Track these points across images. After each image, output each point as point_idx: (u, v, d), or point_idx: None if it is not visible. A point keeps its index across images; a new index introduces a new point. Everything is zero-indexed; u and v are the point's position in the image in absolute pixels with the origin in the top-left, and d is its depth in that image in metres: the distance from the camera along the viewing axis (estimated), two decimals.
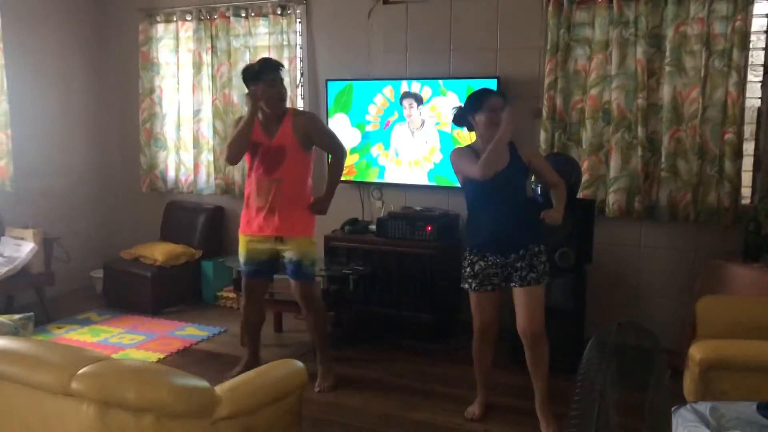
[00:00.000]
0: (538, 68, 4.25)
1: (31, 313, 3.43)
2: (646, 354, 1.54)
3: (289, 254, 3.52)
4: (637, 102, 3.97)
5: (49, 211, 5.19)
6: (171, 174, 5.52)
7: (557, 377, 3.21)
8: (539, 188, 3.73)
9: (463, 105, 3.15)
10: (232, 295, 4.85)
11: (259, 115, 3.46)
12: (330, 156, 3.77)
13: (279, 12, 4.92)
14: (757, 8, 3.77)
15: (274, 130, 3.47)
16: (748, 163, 3.90)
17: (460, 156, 3.10)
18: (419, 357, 4.10)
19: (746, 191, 3.91)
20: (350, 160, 4.57)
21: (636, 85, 3.97)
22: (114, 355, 3.61)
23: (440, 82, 4.40)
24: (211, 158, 5.28)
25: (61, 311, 4.90)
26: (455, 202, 4.50)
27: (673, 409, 1.61)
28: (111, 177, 5.79)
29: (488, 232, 3.07)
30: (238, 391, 2.05)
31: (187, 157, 5.41)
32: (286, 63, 4.91)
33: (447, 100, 4.38)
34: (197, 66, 5.25)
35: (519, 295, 3.06)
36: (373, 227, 4.50)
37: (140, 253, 5.07)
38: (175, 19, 5.31)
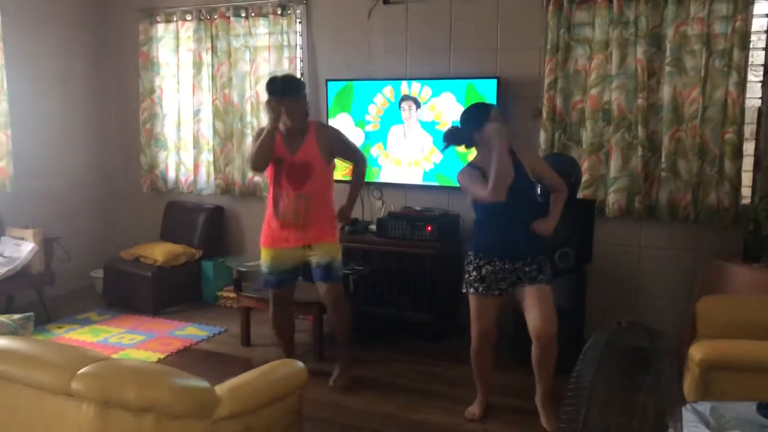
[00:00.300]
0: (538, 68, 4.25)
1: (31, 313, 3.43)
2: (648, 353, 1.54)
3: (317, 259, 3.53)
4: (638, 102, 3.97)
5: (49, 211, 5.19)
6: (171, 174, 5.52)
7: (557, 377, 3.21)
8: (539, 188, 3.72)
9: (459, 125, 3.14)
10: (232, 294, 4.85)
11: (281, 127, 3.43)
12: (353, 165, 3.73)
13: (279, 12, 4.92)
14: (758, 8, 3.77)
15: (297, 144, 3.45)
16: (748, 163, 3.90)
17: (468, 179, 3.08)
18: (419, 357, 4.10)
19: (746, 191, 3.92)
20: None
21: (636, 85, 3.97)
22: (114, 355, 3.62)
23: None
24: (211, 158, 5.28)
25: (61, 311, 4.90)
26: (455, 202, 4.50)
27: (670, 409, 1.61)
28: (111, 177, 5.80)
29: (498, 239, 3.07)
30: (238, 391, 2.05)
31: (188, 157, 5.41)
32: (286, 63, 4.93)
33: (447, 100, 4.39)
34: (197, 66, 5.25)
35: (530, 294, 3.04)
36: (373, 227, 4.50)
37: (140, 253, 5.07)
38: (175, 19, 5.31)
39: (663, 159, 3.98)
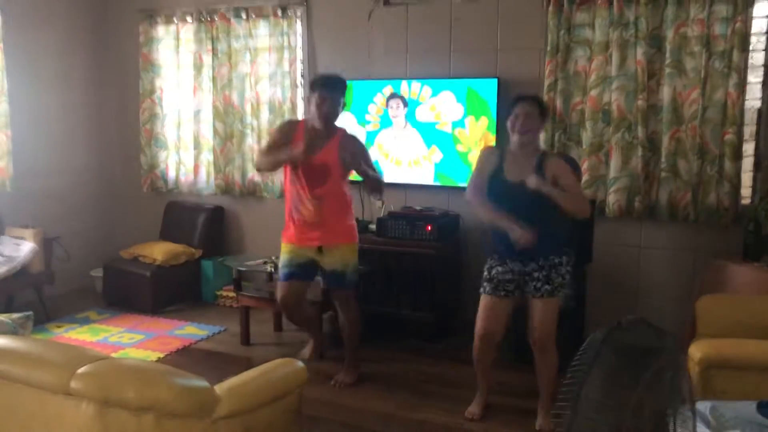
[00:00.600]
0: (538, 69, 4.25)
1: (30, 312, 3.42)
2: (649, 351, 1.54)
3: (331, 266, 3.53)
4: (637, 103, 3.97)
5: (49, 210, 5.19)
6: (171, 174, 5.52)
7: (559, 380, 3.21)
8: None
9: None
10: (231, 294, 4.85)
11: (309, 124, 3.45)
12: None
13: (279, 13, 4.92)
14: (757, 10, 3.78)
15: (320, 145, 3.43)
16: (748, 163, 3.90)
17: (481, 159, 3.13)
18: (419, 357, 4.10)
19: (746, 191, 3.92)
20: None
21: (636, 86, 3.97)
22: (113, 355, 3.61)
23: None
24: (211, 158, 5.28)
25: (60, 310, 4.89)
26: (455, 202, 4.50)
27: (670, 410, 1.60)
28: (111, 177, 5.79)
29: (506, 240, 3.02)
30: (237, 391, 2.05)
31: (188, 157, 5.41)
32: (286, 64, 4.93)
33: (447, 100, 4.39)
34: (197, 67, 5.25)
35: (533, 304, 3.05)
36: (373, 227, 4.50)
37: (140, 253, 5.07)
38: (175, 20, 5.31)
39: (663, 159, 3.99)
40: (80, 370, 1.91)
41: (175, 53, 5.37)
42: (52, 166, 5.34)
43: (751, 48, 3.78)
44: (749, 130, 3.87)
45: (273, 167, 3.61)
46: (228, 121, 5.19)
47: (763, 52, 3.82)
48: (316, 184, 3.44)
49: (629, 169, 4.05)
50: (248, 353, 4.18)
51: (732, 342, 2.77)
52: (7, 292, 4.67)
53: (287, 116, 4.86)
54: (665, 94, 3.96)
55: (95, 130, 5.71)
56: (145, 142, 5.50)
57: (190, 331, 4.56)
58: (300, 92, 4.99)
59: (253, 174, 5.16)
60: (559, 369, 3.08)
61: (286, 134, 3.53)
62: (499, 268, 3.08)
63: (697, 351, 2.69)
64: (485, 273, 3.13)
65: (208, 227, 5.29)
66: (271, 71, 4.99)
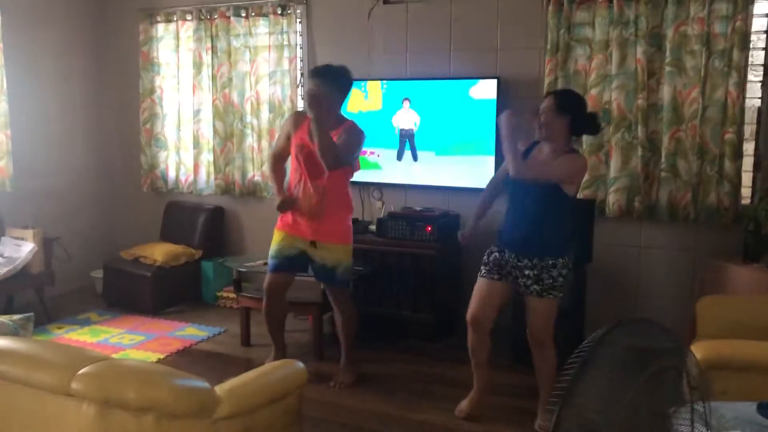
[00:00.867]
0: (538, 68, 4.25)
1: (31, 314, 3.42)
2: (651, 351, 1.54)
3: (322, 260, 3.52)
4: (637, 102, 3.97)
5: (49, 211, 5.19)
6: (171, 174, 5.52)
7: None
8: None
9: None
10: (232, 295, 4.85)
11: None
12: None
13: (279, 12, 4.92)
14: (757, 8, 3.77)
15: None
16: (748, 163, 3.90)
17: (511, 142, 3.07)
18: (419, 357, 4.10)
19: (746, 191, 3.92)
20: None
21: (636, 85, 3.97)
22: (114, 356, 3.61)
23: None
24: (211, 158, 5.28)
25: (61, 311, 4.89)
26: (455, 202, 4.50)
27: (671, 410, 1.60)
28: (111, 177, 5.80)
29: (508, 231, 3.08)
30: (238, 391, 2.05)
31: (188, 157, 5.41)
32: (286, 63, 4.93)
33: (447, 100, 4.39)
34: (197, 66, 5.25)
35: (528, 302, 3.06)
36: (373, 227, 4.50)
37: (140, 253, 5.07)
38: (175, 19, 5.31)
39: (663, 159, 3.98)
40: (81, 371, 1.91)
41: (174, 52, 5.37)
42: (51, 166, 5.35)
43: (751, 46, 3.78)
44: (749, 129, 3.87)
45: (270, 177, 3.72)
46: (228, 120, 5.19)
47: (764, 51, 3.82)
48: (318, 174, 3.43)
49: (629, 168, 4.05)
50: (248, 354, 4.19)
51: (732, 343, 2.76)
52: (8, 293, 4.68)
53: (287, 115, 4.86)
54: (665, 93, 3.96)
55: (95, 130, 5.71)
56: (145, 141, 5.50)
57: (190, 332, 4.56)
58: (300, 91, 4.99)
59: (253, 174, 5.16)
60: (558, 368, 3.08)
61: (294, 123, 3.53)
62: (497, 255, 3.10)
63: (697, 352, 2.68)
64: (485, 257, 3.15)
65: (208, 227, 5.29)
66: (270, 70, 4.99)
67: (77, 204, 5.56)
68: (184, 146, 5.43)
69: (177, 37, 5.34)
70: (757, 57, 3.82)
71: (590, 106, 4.08)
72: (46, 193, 5.26)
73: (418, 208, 4.49)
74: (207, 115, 5.27)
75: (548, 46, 4.15)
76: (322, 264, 3.53)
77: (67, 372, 1.92)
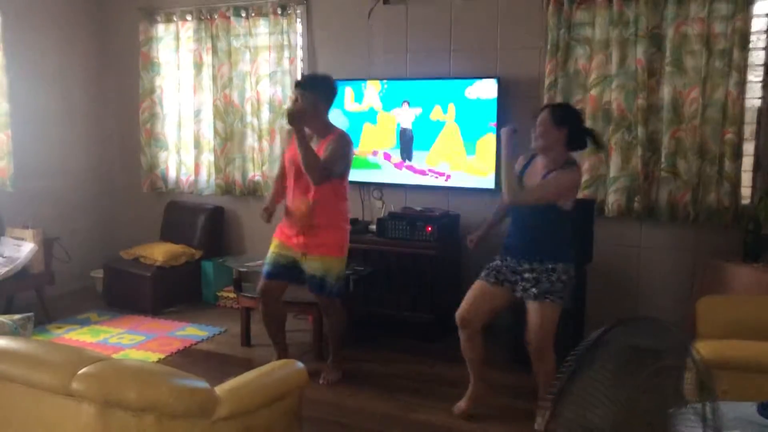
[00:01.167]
0: (538, 68, 4.25)
1: (31, 314, 3.43)
2: (652, 350, 1.53)
3: (311, 271, 3.52)
4: (637, 102, 3.97)
5: (49, 211, 5.19)
6: (172, 174, 5.52)
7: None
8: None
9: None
10: (232, 295, 4.85)
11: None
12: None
13: (279, 12, 4.92)
14: (757, 8, 3.77)
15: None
16: (748, 163, 3.90)
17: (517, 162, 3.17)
18: (419, 357, 4.10)
19: (746, 191, 3.91)
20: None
21: (636, 85, 3.97)
22: (114, 356, 3.61)
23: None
24: (212, 158, 5.28)
25: (61, 311, 4.89)
26: (455, 202, 4.50)
27: (671, 410, 1.60)
28: (111, 177, 5.80)
29: (510, 239, 3.13)
30: (238, 392, 2.05)
31: (188, 157, 5.41)
32: (286, 63, 4.93)
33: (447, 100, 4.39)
34: (198, 66, 5.25)
35: (527, 306, 3.06)
36: (373, 227, 4.50)
37: (140, 253, 5.07)
38: (175, 19, 5.31)
39: (663, 159, 3.98)
40: (81, 371, 1.91)
41: (175, 52, 5.37)
42: (52, 166, 5.35)
43: (751, 46, 3.77)
44: (749, 129, 3.87)
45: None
46: (228, 120, 5.19)
47: (764, 51, 3.82)
48: (307, 188, 3.44)
49: (629, 168, 4.05)
50: (248, 354, 4.19)
51: (733, 343, 2.76)
52: (8, 293, 4.67)
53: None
54: (665, 93, 3.96)
55: (95, 130, 5.71)
56: (145, 141, 5.50)
57: (190, 332, 4.56)
58: None
59: (253, 174, 5.16)
60: (556, 370, 3.08)
61: (288, 139, 3.59)
62: (498, 262, 3.15)
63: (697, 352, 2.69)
64: (487, 264, 3.19)
65: (208, 227, 5.29)
66: (271, 70, 4.99)
67: (77, 204, 5.56)
68: (184, 146, 5.43)
69: (177, 38, 5.34)
70: (757, 57, 3.82)
71: (591, 107, 4.10)
72: (46, 193, 5.26)
73: (418, 208, 4.49)
74: (207, 115, 5.27)
75: (548, 46, 4.15)
76: (311, 275, 3.53)
77: (67, 372, 1.92)
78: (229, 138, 5.20)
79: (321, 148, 3.42)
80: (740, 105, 3.79)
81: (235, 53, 5.13)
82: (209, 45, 5.17)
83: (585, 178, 4.10)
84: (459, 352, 3.55)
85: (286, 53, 4.93)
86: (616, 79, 4.01)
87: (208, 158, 5.32)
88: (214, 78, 5.18)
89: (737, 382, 2.58)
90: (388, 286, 4.34)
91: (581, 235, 3.77)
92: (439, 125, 4.44)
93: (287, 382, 2.25)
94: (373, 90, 4.61)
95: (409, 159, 4.56)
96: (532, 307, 3.02)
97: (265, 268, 3.64)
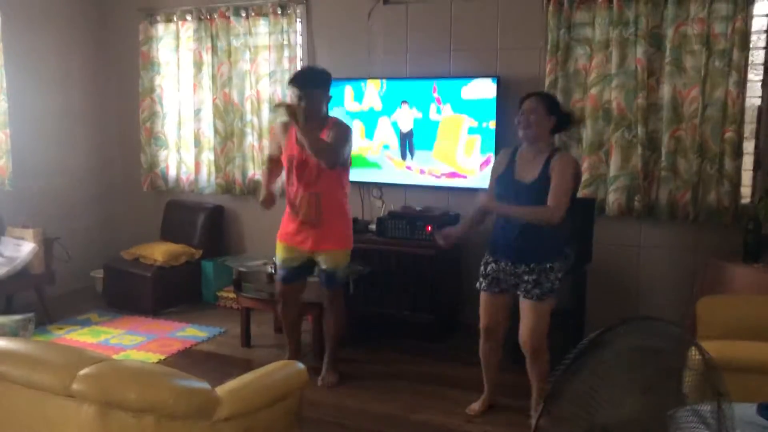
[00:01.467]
0: (539, 68, 4.25)
1: (32, 314, 3.43)
2: (654, 350, 1.53)
3: (322, 264, 3.56)
4: (637, 101, 3.97)
5: (49, 210, 5.20)
6: (172, 173, 5.52)
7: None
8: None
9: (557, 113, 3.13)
10: (232, 295, 4.85)
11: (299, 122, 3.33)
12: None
13: (279, 12, 4.92)
14: (758, 8, 3.77)
15: None
16: (748, 162, 3.90)
17: (496, 160, 3.19)
18: (419, 357, 4.10)
19: (746, 190, 3.91)
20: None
21: (636, 85, 3.97)
22: (114, 356, 3.62)
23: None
24: (212, 157, 5.28)
25: (61, 311, 4.89)
26: (455, 202, 4.50)
27: (670, 411, 1.60)
28: (111, 176, 5.79)
29: (503, 240, 3.06)
30: (238, 393, 2.05)
31: (188, 156, 5.41)
32: (286, 62, 4.93)
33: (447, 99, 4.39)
34: (198, 65, 5.25)
35: (522, 306, 3.06)
36: (373, 227, 4.50)
37: (140, 253, 5.07)
38: (175, 18, 5.31)
39: (663, 158, 3.98)
40: (81, 372, 1.92)
41: (174, 52, 5.36)
42: (51, 166, 5.34)
43: (751, 46, 3.77)
44: (749, 128, 3.87)
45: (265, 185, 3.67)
46: (228, 119, 5.18)
47: (764, 51, 3.82)
48: (311, 182, 3.44)
49: (629, 167, 4.05)
50: (248, 355, 4.19)
51: (733, 344, 2.76)
52: (8, 293, 4.68)
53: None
54: (665, 92, 3.96)
55: (95, 130, 5.71)
56: (145, 141, 5.50)
57: (190, 332, 4.56)
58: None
59: (253, 172, 5.16)
60: (551, 370, 3.09)
61: (282, 134, 3.57)
62: (493, 265, 3.11)
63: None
64: (481, 267, 3.16)
65: (208, 226, 5.29)
66: (271, 69, 4.99)
67: (77, 203, 5.56)
68: (184, 145, 5.43)
69: (177, 37, 5.33)
70: (757, 56, 3.82)
71: (591, 106, 4.10)
72: (46, 193, 5.26)
73: (418, 208, 4.49)
74: (207, 114, 5.27)
75: (548, 46, 4.15)
76: (323, 269, 3.58)
77: (68, 373, 1.92)
78: (229, 137, 5.20)
79: (323, 136, 3.40)
80: (740, 104, 3.78)
81: (234, 53, 5.12)
82: (209, 44, 5.17)
83: (585, 177, 4.10)
84: (459, 352, 3.56)
85: (286, 53, 4.92)
86: (615, 79, 4.01)
87: (208, 157, 5.32)
88: (214, 77, 5.18)
89: (737, 382, 2.57)
90: (388, 286, 4.34)
91: (581, 235, 3.78)
92: (439, 124, 4.44)
93: (288, 382, 2.25)
94: (373, 89, 4.60)
95: (410, 158, 4.55)
96: (529, 307, 3.01)
97: (280, 273, 3.66)
